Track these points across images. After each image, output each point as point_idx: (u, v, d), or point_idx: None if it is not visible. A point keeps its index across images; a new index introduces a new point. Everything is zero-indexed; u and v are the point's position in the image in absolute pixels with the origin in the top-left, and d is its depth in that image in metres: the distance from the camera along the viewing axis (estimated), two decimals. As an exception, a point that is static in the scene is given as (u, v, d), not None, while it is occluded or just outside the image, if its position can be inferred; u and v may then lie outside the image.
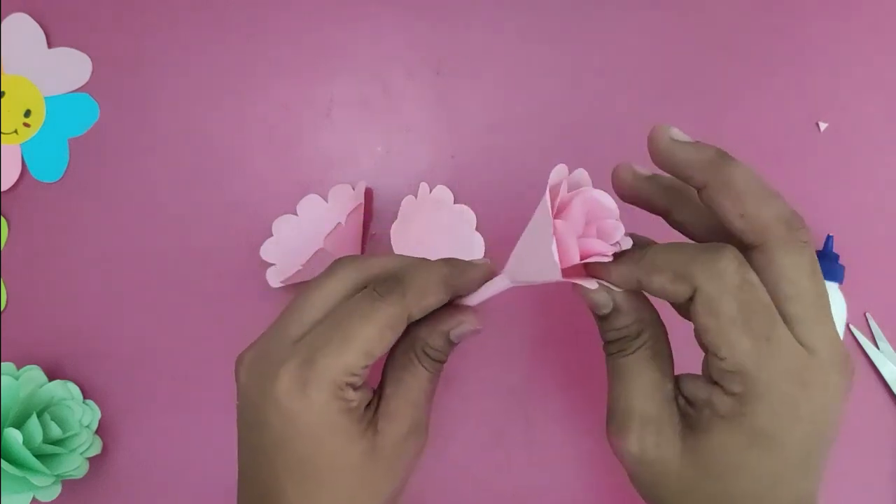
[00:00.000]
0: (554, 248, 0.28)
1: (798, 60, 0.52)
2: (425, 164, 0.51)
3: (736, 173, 0.28)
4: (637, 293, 0.31)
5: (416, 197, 0.50)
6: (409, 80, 0.52)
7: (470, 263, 0.34)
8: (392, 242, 0.49)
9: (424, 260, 0.34)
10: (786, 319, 0.27)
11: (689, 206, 0.31)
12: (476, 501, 0.49)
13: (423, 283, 0.32)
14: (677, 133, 0.29)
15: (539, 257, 0.29)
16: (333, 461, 0.30)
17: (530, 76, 0.52)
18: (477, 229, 0.50)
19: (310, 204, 0.50)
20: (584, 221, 0.30)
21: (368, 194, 0.51)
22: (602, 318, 0.31)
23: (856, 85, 0.51)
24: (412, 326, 0.33)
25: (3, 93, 0.52)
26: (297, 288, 0.48)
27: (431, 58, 0.52)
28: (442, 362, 0.34)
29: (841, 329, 0.48)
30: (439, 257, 0.35)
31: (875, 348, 0.49)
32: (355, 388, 0.31)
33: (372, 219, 0.51)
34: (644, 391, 0.30)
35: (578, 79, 0.52)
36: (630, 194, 0.32)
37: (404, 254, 0.36)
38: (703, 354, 0.30)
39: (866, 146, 0.51)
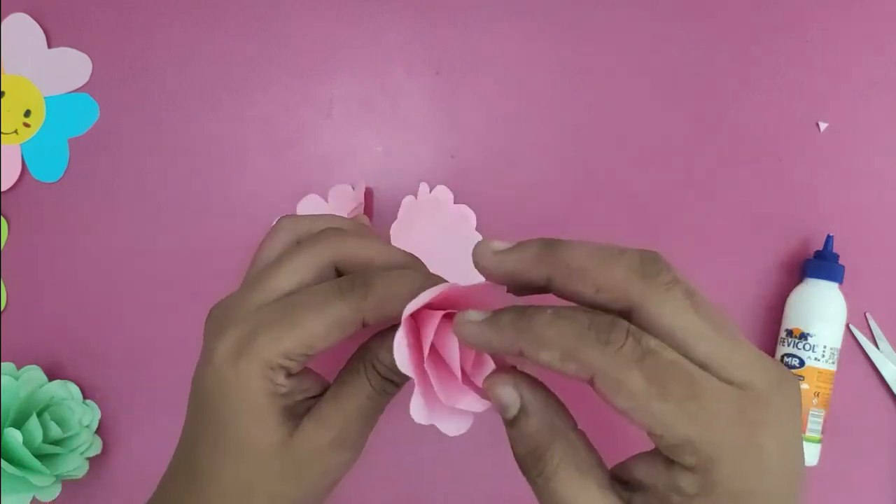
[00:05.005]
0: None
1: (798, 60, 0.52)
2: (425, 164, 0.51)
3: (569, 253, 0.26)
4: (549, 395, 0.28)
5: (416, 197, 0.50)
6: (409, 79, 0.52)
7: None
8: (392, 242, 0.49)
9: (406, 269, 0.32)
10: (702, 366, 0.24)
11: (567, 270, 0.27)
12: (475, 501, 0.49)
13: (388, 292, 0.29)
14: (497, 244, 0.28)
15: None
16: (245, 439, 0.30)
17: (530, 76, 0.52)
18: (477, 229, 0.50)
19: (310, 204, 0.50)
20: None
21: (368, 194, 0.51)
22: (510, 424, 0.28)
23: (856, 85, 0.51)
24: (371, 335, 0.31)
25: (3, 93, 0.52)
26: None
27: (431, 58, 0.52)
28: (391, 381, 0.31)
29: (841, 329, 0.48)
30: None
31: (875, 348, 0.49)
32: (289, 374, 0.30)
33: (372, 219, 0.51)
34: None
35: (578, 79, 0.52)
36: (498, 276, 0.28)
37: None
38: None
39: (866, 146, 0.51)
